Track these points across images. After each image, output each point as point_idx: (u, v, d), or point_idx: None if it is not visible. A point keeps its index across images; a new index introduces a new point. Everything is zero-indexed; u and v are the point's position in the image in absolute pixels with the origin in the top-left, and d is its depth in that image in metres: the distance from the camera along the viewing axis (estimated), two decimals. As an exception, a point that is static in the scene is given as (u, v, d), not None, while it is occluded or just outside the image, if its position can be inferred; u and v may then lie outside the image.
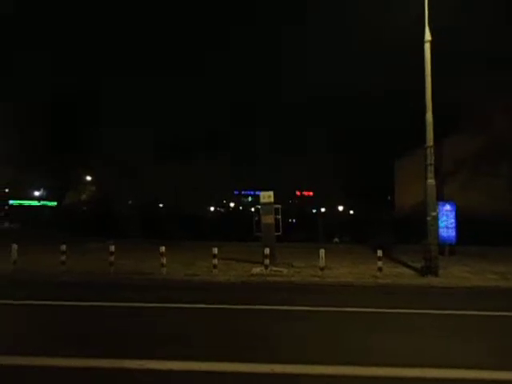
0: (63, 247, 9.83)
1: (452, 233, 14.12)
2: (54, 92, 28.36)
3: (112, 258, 9.68)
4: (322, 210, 38.63)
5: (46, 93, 28.42)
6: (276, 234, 11.29)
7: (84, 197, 34.30)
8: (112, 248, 9.72)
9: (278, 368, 3.93)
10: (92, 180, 36.36)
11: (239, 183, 62.90)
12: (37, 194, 37.44)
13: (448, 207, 14.33)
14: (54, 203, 32.00)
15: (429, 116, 10.12)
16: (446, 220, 14.11)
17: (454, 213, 14.26)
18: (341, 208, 45.29)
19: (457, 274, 9.97)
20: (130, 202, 29.55)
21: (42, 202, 35.22)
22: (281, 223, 11.51)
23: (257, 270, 10.18)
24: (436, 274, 9.57)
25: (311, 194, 62.12)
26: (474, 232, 16.30)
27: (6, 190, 35.97)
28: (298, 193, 64.44)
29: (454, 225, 14.15)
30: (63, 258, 9.80)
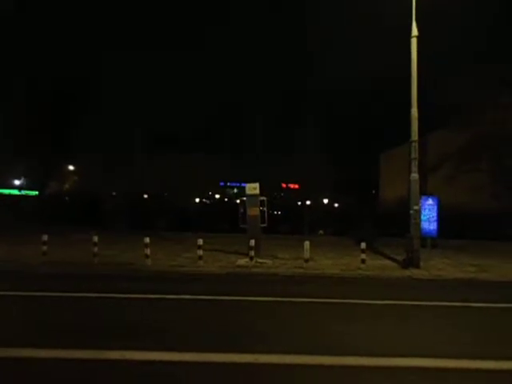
0: (45, 237, 9.65)
1: (434, 226, 14.40)
2: (37, 80, 27.56)
3: (96, 249, 9.57)
4: (307, 202, 38.84)
5: (30, 82, 27.59)
6: (261, 225, 11.31)
7: (67, 186, 33.65)
8: (95, 239, 9.60)
9: (263, 358, 3.96)
10: (75, 169, 35.66)
11: (225, 175, 62.85)
12: (17, 182, 36.53)
13: (430, 201, 14.59)
14: (36, 192, 31.28)
15: (414, 111, 10.24)
16: (428, 214, 14.37)
17: (436, 207, 14.53)
18: (326, 201, 45.63)
19: (438, 267, 10.19)
20: (114, 193, 29.12)
21: (23, 192, 34.39)
22: (266, 215, 11.53)
23: (242, 261, 10.20)
24: (417, 267, 9.77)
25: (297, 186, 62.38)
26: (456, 226, 16.69)
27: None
28: (283, 185, 64.64)
29: (436, 218, 14.43)
30: (45, 248, 9.63)
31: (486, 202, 17.83)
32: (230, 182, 69.47)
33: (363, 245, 9.68)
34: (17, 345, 4.18)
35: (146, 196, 30.98)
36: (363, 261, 9.63)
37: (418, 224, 10.20)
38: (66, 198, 28.21)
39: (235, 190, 66.54)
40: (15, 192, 34.56)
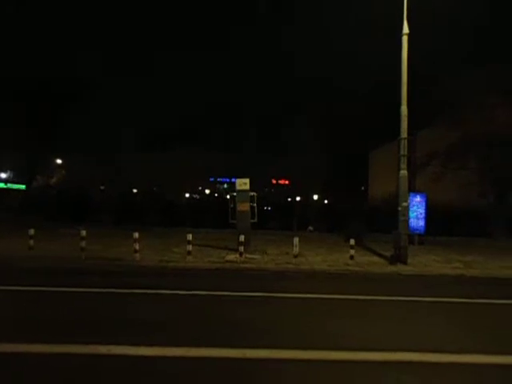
0: (31, 231, 9.52)
1: (422, 223, 14.58)
2: (27, 76, 27.13)
3: (83, 244, 9.46)
4: (297, 198, 38.94)
5: (19, 77, 27.15)
6: (251, 221, 11.32)
7: (54, 180, 33.17)
8: (83, 233, 9.49)
9: (250, 353, 3.97)
10: (63, 163, 35.19)
11: (215, 170, 62.82)
12: (3, 176, 35.92)
13: (418, 198, 14.76)
14: (23, 186, 30.77)
15: (404, 109, 10.31)
16: (416, 210, 14.54)
17: (424, 203, 14.71)
18: (316, 197, 45.83)
19: (425, 263, 10.32)
20: (102, 187, 28.85)
21: (9, 185, 33.82)
22: (256, 211, 11.54)
23: (231, 256, 10.20)
24: (405, 263, 9.88)
25: (287, 182, 62.59)
26: (443, 222, 16.92)
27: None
28: (273, 181, 64.76)
29: (423, 215, 14.61)
30: (31, 242, 9.50)
31: (473, 199, 18.10)
32: (220, 177, 69.43)
33: (352, 241, 9.76)
34: (1, 340, 4.11)
35: (135, 191, 30.71)
36: (352, 257, 9.71)
37: (406, 221, 10.31)
38: (54, 192, 27.79)
39: (225, 186, 66.52)
40: (1, 185, 33.99)
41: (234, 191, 11.62)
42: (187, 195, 41.39)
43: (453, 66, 20.27)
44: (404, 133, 10.29)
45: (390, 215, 11.41)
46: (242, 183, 11.38)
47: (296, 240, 9.68)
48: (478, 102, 17.29)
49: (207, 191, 59.76)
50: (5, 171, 35.74)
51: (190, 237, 9.63)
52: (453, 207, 17.52)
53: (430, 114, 19.70)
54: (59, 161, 34.87)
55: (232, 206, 11.68)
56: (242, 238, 9.85)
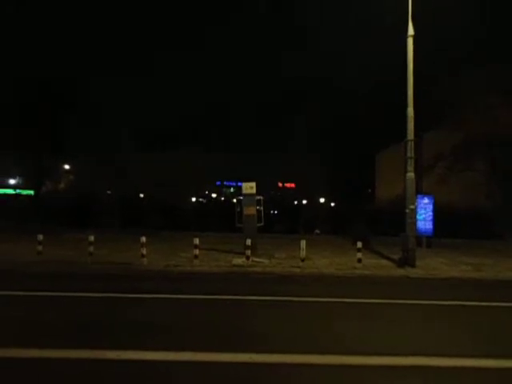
0: (40, 237, 9.61)
1: (429, 225, 14.45)
2: (30, 78, 27.39)
3: (91, 248, 9.52)
4: (304, 201, 38.89)
5: (21, 79, 27.42)
6: (258, 225, 11.31)
7: (62, 186, 33.42)
8: (91, 238, 9.55)
9: (257, 357, 3.96)
10: (70, 169, 35.46)
11: (221, 174, 62.98)
12: (12, 182, 36.29)
13: (426, 200, 14.64)
14: (31, 192, 31.03)
15: (410, 110, 10.26)
16: (423, 213, 14.42)
17: (431, 206, 14.59)
18: (322, 200, 45.70)
19: (433, 266, 10.23)
20: (108, 192, 28.97)
21: (18, 191, 34.14)
22: (263, 214, 11.53)
23: (238, 260, 10.19)
24: (413, 266, 9.80)
25: (293, 185, 62.53)
26: (451, 225, 16.78)
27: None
28: (279, 184, 64.71)
29: (431, 217, 14.48)
30: (40, 248, 9.58)
31: (478, 201, 17.95)
32: (226, 181, 69.52)
33: (359, 244, 9.70)
34: (8, 345, 4.14)
35: (141, 195, 30.84)
36: (359, 260, 9.65)
37: (414, 223, 10.24)
38: (62, 197, 27.99)
39: (232, 190, 66.59)
40: (10, 191, 34.31)
41: (241, 195, 11.64)
42: (194, 199, 41.51)
43: (453, 66, 20.12)
44: (410, 135, 10.24)
45: (398, 217, 11.34)
46: (249, 187, 11.39)
47: (303, 243, 9.65)
48: (478, 102, 17.15)
49: (214, 195, 59.88)
50: (14, 177, 36.11)
51: (196, 241, 9.64)
52: (457, 209, 17.39)
53: (434, 116, 19.60)
54: (67, 166, 35.15)
55: (239, 209, 11.69)
56: (248, 241, 9.84)
